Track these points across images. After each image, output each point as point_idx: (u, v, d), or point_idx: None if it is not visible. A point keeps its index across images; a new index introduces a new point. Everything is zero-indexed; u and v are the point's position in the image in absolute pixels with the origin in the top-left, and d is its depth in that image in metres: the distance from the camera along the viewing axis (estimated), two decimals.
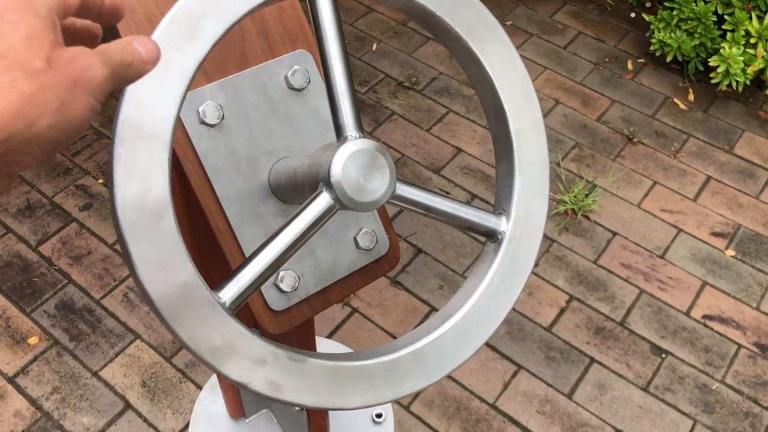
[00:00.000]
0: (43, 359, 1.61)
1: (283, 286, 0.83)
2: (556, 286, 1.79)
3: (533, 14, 2.53)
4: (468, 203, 0.74)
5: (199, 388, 1.58)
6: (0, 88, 0.33)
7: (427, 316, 1.72)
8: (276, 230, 0.64)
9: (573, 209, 1.94)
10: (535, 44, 2.43)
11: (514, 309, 1.75)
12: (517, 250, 0.73)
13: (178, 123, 0.79)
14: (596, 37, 2.47)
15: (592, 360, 1.67)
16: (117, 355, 1.63)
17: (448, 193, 1.98)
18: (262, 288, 0.83)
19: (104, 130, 2.07)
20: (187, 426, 1.52)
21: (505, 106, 0.73)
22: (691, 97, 2.28)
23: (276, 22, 0.84)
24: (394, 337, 1.68)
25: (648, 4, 2.53)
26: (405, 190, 0.70)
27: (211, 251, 0.86)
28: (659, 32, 2.25)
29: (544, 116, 2.20)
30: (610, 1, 2.60)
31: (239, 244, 0.83)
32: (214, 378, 1.58)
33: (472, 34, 0.70)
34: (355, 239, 0.87)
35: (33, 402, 1.54)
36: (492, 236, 0.73)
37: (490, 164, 2.05)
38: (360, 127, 0.66)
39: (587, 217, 1.94)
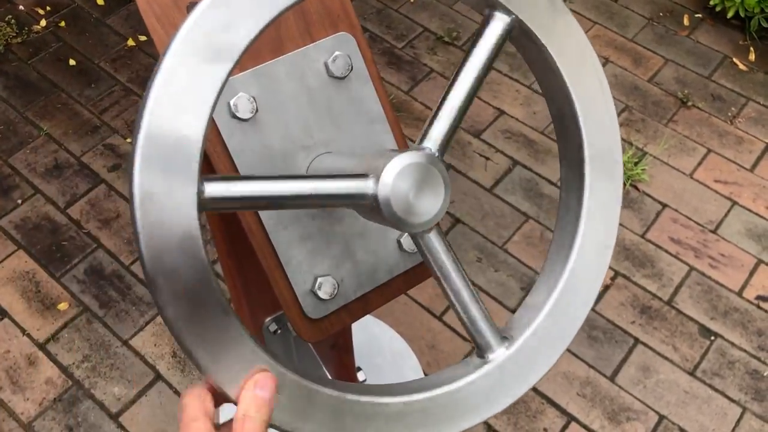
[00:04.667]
0: (73, 326, 1.59)
1: (321, 294, 0.77)
2: None
3: None
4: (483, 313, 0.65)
5: None
6: None
7: None
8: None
9: None
10: None
11: None
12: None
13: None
14: None
15: (637, 341, 1.59)
16: (147, 323, 1.60)
17: (488, 159, 1.89)
18: (299, 295, 0.77)
19: (132, 86, 2.00)
20: None
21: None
22: (752, 56, 2.12)
23: (315, 2, 0.75)
24: (430, 312, 1.62)
25: None
26: (436, 240, 0.62)
27: (248, 252, 0.80)
28: None
29: None
30: None
31: (273, 247, 0.76)
32: None
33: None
34: (398, 241, 0.80)
35: (64, 370, 1.53)
36: (480, 352, 0.64)
37: (533, 128, 1.95)
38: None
39: (636, 188, 1.84)
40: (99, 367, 1.53)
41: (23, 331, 1.57)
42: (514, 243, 1.73)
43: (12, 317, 1.59)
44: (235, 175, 0.54)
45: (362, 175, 0.58)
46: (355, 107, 0.77)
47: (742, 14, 2.09)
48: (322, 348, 1.12)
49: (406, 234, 0.80)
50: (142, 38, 2.11)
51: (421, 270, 0.84)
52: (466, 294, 0.62)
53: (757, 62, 2.12)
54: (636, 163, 1.86)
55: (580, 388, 1.53)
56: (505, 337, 0.62)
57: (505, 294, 1.65)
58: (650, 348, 1.59)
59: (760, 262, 1.72)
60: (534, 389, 1.52)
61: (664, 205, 1.81)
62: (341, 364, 1.12)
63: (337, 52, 0.75)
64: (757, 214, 1.80)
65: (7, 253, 1.68)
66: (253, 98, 0.72)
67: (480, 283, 1.66)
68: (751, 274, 1.70)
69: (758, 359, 1.58)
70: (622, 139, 1.93)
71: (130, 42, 2.10)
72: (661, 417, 1.50)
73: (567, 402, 1.51)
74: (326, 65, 0.75)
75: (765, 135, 1.96)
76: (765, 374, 1.55)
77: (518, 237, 1.74)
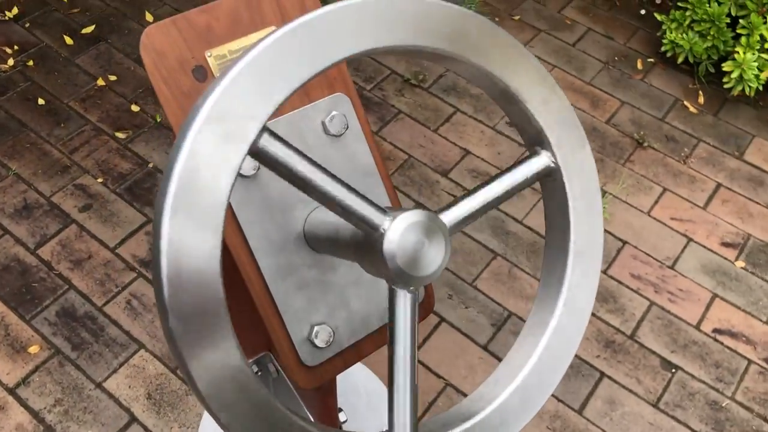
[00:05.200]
0: (44, 369, 1.57)
1: (317, 342, 0.80)
2: None
3: (542, 9, 2.48)
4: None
5: None
6: None
7: (436, 327, 1.69)
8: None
9: None
10: (544, 41, 2.38)
11: (522, 319, 1.73)
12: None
13: None
14: (606, 34, 2.42)
15: (603, 374, 1.65)
16: (121, 365, 1.59)
17: (456, 197, 1.94)
18: (296, 343, 0.80)
19: (103, 126, 2.01)
20: None
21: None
22: (702, 99, 2.25)
23: None
24: None
25: (658, 1, 2.48)
26: (407, 302, 0.66)
27: (242, 302, 0.83)
28: (671, 33, 2.21)
29: None
30: None
31: (272, 296, 0.79)
32: None
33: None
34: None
35: (35, 415, 1.51)
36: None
37: (498, 167, 2.02)
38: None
39: None
40: (72, 411, 1.52)
41: None
42: (483, 280, 1.78)
43: None
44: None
45: (383, 210, 0.62)
46: (350, 163, 0.81)
47: (691, 60, 2.21)
48: (306, 390, 1.14)
49: None
50: (112, 78, 2.13)
51: None
52: (409, 381, 0.63)
53: (705, 105, 2.24)
54: None
55: (550, 422, 1.58)
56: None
57: (476, 330, 1.70)
58: (615, 381, 1.65)
59: (715, 296, 1.81)
60: None
61: (624, 242, 1.89)
62: (324, 405, 1.14)
63: (333, 112, 0.79)
64: (711, 250, 1.90)
65: None
66: None
67: (451, 320, 1.71)
68: (708, 308, 1.78)
69: (717, 390, 1.65)
70: None
71: (100, 81, 2.11)
72: None
73: None
74: (323, 124, 0.79)
75: (715, 174, 2.07)
76: (724, 404, 1.63)
77: (487, 274, 1.80)
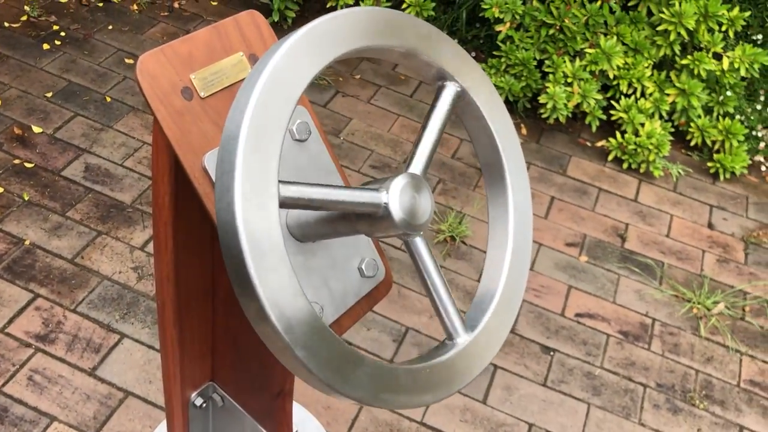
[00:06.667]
0: None
1: None
2: None
3: (378, 68, 2.76)
4: (456, 306, 0.86)
5: None
6: None
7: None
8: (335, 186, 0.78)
9: (451, 236, 2.15)
10: (385, 94, 2.65)
11: (418, 331, 1.90)
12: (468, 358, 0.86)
13: (204, 177, 0.86)
14: None
15: (496, 367, 1.86)
16: None
17: None
18: None
19: None
20: None
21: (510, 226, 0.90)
22: (524, 131, 2.62)
23: None
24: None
25: (473, 54, 2.87)
26: (422, 245, 0.84)
27: (193, 332, 0.92)
28: (492, 77, 2.58)
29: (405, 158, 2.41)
30: None
31: None
32: None
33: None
34: (359, 269, 0.98)
35: None
36: (450, 337, 0.87)
37: None
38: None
39: (464, 242, 2.16)
40: None
41: None
42: (379, 303, 1.94)
43: None
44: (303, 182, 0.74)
45: (376, 189, 0.77)
46: (315, 163, 0.95)
47: (510, 99, 2.59)
48: (266, 399, 1.21)
49: (366, 261, 0.98)
50: None
51: (377, 292, 1.01)
52: (443, 290, 0.83)
53: (528, 135, 2.62)
54: (460, 223, 2.19)
55: (461, 415, 1.74)
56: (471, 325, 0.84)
57: (381, 348, 1.84)
58: (507, 371, 1.86)
59: (570, 287, 2.11)
60: (424, 424, 1.70)
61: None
62: (284, 412, 1.22)
63: (298, 120, 0.93)
64: (558, 251, 2.21)
65: None
66: None
67: (356, 342, 1.84)
68: (567, 297, 2.07)
69: (589, 363, 1.92)
70: (444, 206, 2.27)
71: None
72: (530, 425, 1.76)
73: (454, 429, 1.71)
74: (291, 131, 0.93)
75: (548, 189, 2.42)
76: (596, 373, 1.90)
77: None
